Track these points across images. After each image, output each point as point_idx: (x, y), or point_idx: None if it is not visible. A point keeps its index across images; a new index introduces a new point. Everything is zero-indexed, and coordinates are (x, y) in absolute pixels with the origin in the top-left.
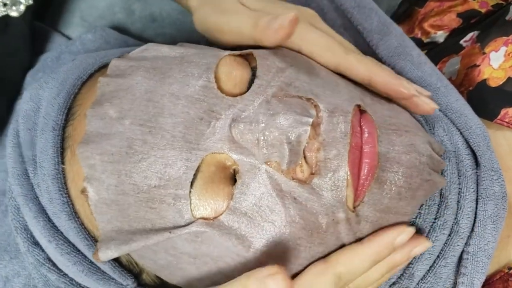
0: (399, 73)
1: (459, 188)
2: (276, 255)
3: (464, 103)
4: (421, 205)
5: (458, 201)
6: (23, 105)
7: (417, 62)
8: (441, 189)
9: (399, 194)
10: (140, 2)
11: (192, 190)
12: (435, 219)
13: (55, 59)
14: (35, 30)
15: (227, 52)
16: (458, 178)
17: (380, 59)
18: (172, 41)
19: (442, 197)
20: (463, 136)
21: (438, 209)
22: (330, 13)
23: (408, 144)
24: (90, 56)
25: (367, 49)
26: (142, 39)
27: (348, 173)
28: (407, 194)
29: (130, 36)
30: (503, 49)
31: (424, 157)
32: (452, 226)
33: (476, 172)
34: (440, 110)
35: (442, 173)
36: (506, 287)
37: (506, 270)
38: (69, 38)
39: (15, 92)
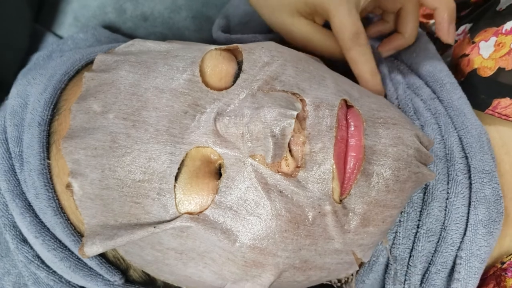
0: (414, 66)
1: (448, 194)
2: (262, 248)
3: (465, 102)
4: (401, 212)
5: (446, 207)
6: (10, 100)
7: (431, 58)
8: (423, 196)
9: (387, 187)
10: (132, 1)
11: (176, 184)
12: (418, 227)
13: (47, 58)
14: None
15: (213, 47)
16: (447, 184)
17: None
18: (163, 40)
19: (424, 204)
20: (459, 138)
21: (420, 216)
22: None
23: (395, 137)
24: (77, 52)
25: None
26: (133, 38)
27: (334, 166)
28: (395, 186)
29: (121, 35)
30: (493, 39)
31: (412, 149)
32: (441, 233)
33: (469, 176)
34: (442, 105)
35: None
36: (499, 282)
37: (499, 265)
38: (60, 37)
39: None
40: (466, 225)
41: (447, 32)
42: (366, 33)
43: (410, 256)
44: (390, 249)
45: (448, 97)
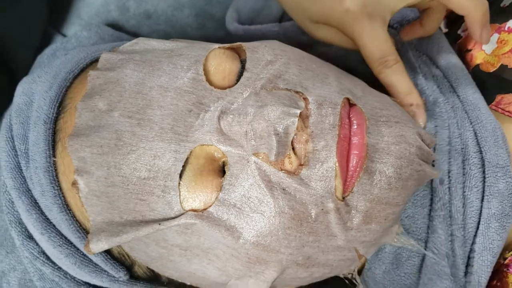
0: (433, 56)
1: (463, 188)
2: (266, 245)
3: (480, 97)
4: (431, 208)
5: (463, 203)
6: (16, 99)
7: (447, 51)
8: (449, 190)
9: (389, 184)
10: None
11: (181, 182)
12: (451, 224)
13: (51, 56)
14: None
15: (216, 45)
16: (463, 177)
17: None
18: (166, 38)
19: (451, 200)
20: (474, 132)
21: (450, 212)
22: None
23: (397, 135)
24: (82, 50)
25: None
26: (137, 36)
27: (336, 164)
28: (397, 184)
29: (125, 33)
30: (495, 36)
31: (414, 147)
32: (464, 229)
33: (483, 170)
34: (459, 100)
35: (448, 174)
36: (501, 278)
37: (502, 261)
38: (64, 35)
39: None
40: (479, 219)
41: (479, 37)
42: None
43: (452, 250)
44: (426, 243)
45: (463, 91)
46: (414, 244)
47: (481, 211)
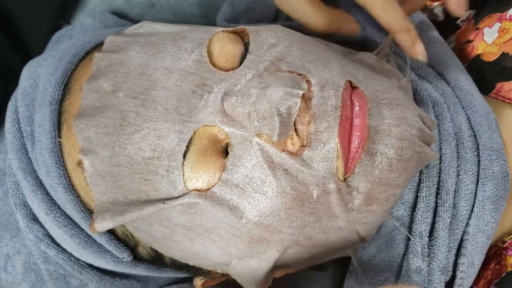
0: None
1: (458, 171)
2: (268, 225)
3: (471, 83)
4: (419, 188)
5: (456, 184)
6: (21, 82)
7: (435, 41)
8: (440, 173)
9: (390, 166)
10: None
11: (185, 162)
12: (436, 204)
13: (55, 43)
14: None
15: (220, 29)
16: (457, 160)
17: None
18: None
19: (441, 182)
20: (467, 117)
21: (437, 193)
22: None
23: (399, 117)
24: (87, 34)
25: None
26: None
27: (338, 145)
28: (398, 165)
29: (129, 21)
30: (497, 25)
31: (415, 129)
32: (452, 211)
33: (478, 154)
34: (449, 86)
35: (441, 157)
36: (500, 261)
37: (500, 245)
38: (69, 23)
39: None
40: (474, 201)
41: (457, 4)
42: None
43: (431, 232)
44: (411, 225)
45: (454, 78)
46: (394, 222)
47: (475, 193)
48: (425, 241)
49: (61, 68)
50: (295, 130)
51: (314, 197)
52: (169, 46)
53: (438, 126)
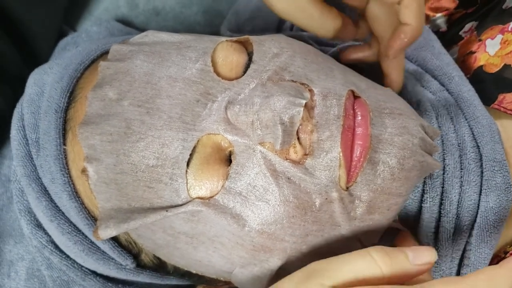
0: (421, 62)
1: (461, 182)
2: (271, 233)
3: (474, 94)
4: (423, 199)
5: (459, 195)
6: (27, 89)
7: (437, 53)
8: (443, 184)
9: (392, 175)
10: None
11: (188, 170)
12: (440, 214)
13: (61, 50)
14: None
15: (224, 38)
16: (460, 171)
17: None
18: None
19: (444, 192)
20: (470, 128)
21: (441, 204)
22: None
23: (401, 127)
24: (93, 43)
25: None
26: None
27: (341, 153)
28: (400, 174)
29: (134, 29)
30: (499, 37)
31: (417, 139)
32: (455, 221)
33: (481, 164)
34: (452, 97)
35: (444, 168)
36: None
37: (502, 255)
38: (74, 30)
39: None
40: (476, 212)
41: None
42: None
43: (435, 242)
44: (415, 235)
45: (457, 89)
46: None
47: (478, 204)
48: None
49: (66, 76)
50: (298, 138)
51: (317, 206)
52: (174, 55)
53: (442, 137)
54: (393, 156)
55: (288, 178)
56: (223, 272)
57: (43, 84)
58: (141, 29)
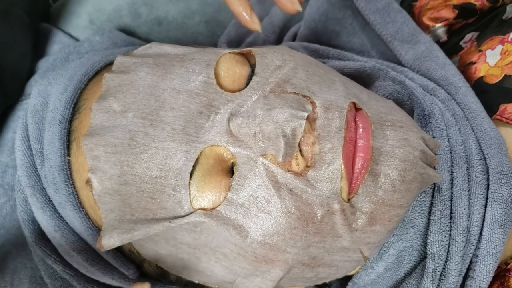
0: (425, 72)
1: (469, 195)
2: (272, 244)
3: (480, 105)
4: (431, 212)
5: (468, 208)
6: (32, 100)
7: (442, 63)
8: (452, 197)
9: (393, 187)
10: (147, 5)
11: (191, 181)
12: (450, 229)
13: (64, 60)
14: (43, 31)
15: (227, 50)
16: (468, 184)
17: (402, 63)
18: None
19: (454, 205)
20: (477, 140)
21: (451, 217)
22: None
23: (402, 139)
24: (97, 54)
25: (387, 51)
26: (148, 42)
27: (342, 166)
28: (401, 186)
29: (136, 38)
30: (499, 48)
31: (418, 151)
32: (466, 234)
33: (488, 177)
34: (459, 107)
35: (452, 181)
36: (503, 282)
37: (504, 266)
38: (77, 40)
39: (16, 88)
40: (482, 224)
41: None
42: None
43: (447, 254)
44: (423, 249)
45: (464, 99)
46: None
47: (484, 217)
48: (438, 263)
49: (71, 87)
50: (300, 150)
51: (319, 217)
52: (177, 68)
53: (450, 150)
54: (394, 168)
55: (290, 190)
56: (225, 282)
57: (47, 95)
58: (143, 39)
